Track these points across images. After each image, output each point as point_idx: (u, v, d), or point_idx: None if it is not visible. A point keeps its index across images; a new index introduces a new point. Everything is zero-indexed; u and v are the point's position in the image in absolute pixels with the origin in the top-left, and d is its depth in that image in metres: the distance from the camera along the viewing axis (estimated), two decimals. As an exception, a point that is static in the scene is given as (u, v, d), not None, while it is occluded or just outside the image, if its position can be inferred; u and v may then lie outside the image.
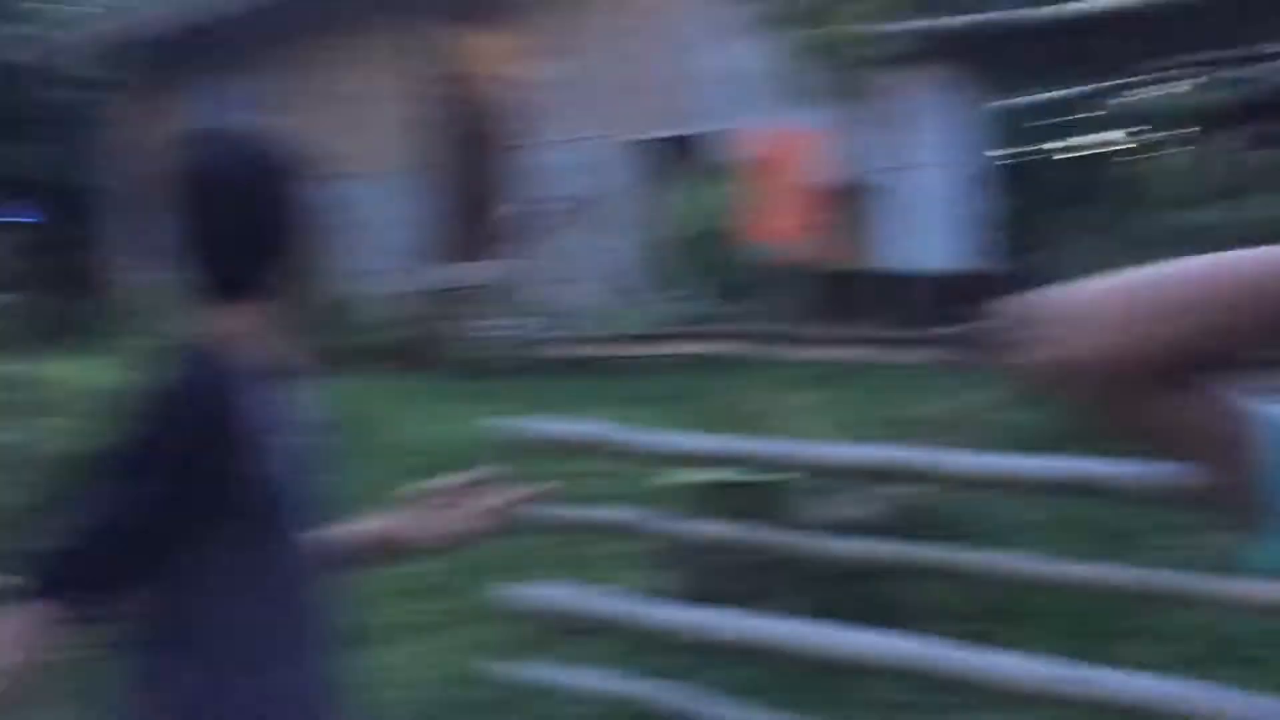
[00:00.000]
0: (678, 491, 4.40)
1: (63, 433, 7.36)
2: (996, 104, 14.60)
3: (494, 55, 12.21)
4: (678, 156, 9.23)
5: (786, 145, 9.33)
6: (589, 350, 3.68)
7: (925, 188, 11.97)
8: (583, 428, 3.20)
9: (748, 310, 6.35)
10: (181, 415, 1.46)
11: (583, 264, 8.80)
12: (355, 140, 11.58)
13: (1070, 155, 17.73)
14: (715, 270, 6.32)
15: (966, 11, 6.52)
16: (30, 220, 13.60)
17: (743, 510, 4.50)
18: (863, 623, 3.75)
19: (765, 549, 3.80)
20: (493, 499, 1.72)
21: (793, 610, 4.11)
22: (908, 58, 7.26)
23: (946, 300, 12.57)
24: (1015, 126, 15.23)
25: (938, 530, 4.45)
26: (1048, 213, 16.28)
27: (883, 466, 2.74)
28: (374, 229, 11.14)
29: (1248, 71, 7.96)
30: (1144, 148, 17.38)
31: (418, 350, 7.30)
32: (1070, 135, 17.17)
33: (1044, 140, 16.79)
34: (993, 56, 6.99)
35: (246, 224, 1.53)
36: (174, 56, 12.57)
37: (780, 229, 7.16)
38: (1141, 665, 3.54)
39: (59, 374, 8.21)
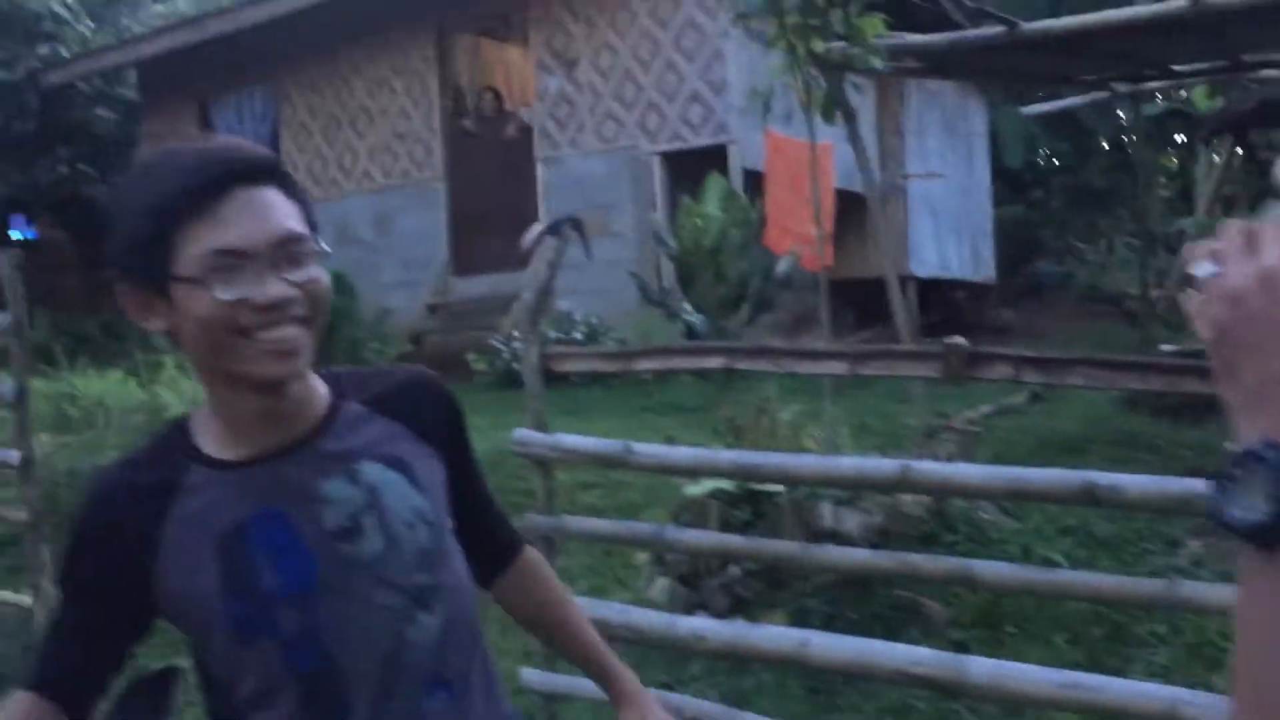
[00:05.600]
0: (693, 503, 4.45)
1: (76, 448, 7.50)
2: (1007, 111, 14.61)
3: (516, 67, 12.32)
4: (698, 167, 9.27)
5: (800, 155, 9.34)
6: (609, 362, 3.72)
7: (935, 196, 11.99)
8: (602, 441, 3.23)
9: (764, 321, 6.39)
10: (79, 511, 1.35)
11: (603, 275, 8.84)
12: (379, 152, 11.69)
13: (1079, 163, 17.71)
14: (732, 281, 6.35)
15: (976, 22, 6.57)
16: (27, 237, 13.77)
17: (754, 521, 4.55)
18: (870, 632, 3.78)
19: (776, 559, 3.83)
20: None
21: (802, 619, 4.15)
22: (917, 69, 7.28)
23: (954, 308, 12.61)
24: (1025, 134, 15.21)
25: (945, 539, 4.49)
26: (1056, 221, 16.27)
27: (890, 478, 2.75)
28: (398, 242, 11.25)
29: (1258, 78, 7.95)
30: (1152, 155, 17.35)
31: (442, 362, 7.36)
32: (1080, 143, 17.13)
33: (1053, 148, 16.75)
34: (1004, 65, 7.02)
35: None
36: (195, 72, 12.69)
37: (794, 239, 7.20)
38: (1149, 673, 3.57)
39: (77, 390, 8.33)
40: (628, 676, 1.63)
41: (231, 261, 1.24)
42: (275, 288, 1.26)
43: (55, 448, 6.74)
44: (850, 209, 9.42)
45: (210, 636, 1.32)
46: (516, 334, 8.18)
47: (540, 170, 10.59)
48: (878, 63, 5.01)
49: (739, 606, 4.37)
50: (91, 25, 15.23)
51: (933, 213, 11.91)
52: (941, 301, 12.31)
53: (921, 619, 4.10)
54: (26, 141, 14.43)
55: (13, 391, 5.16)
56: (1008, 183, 15.10)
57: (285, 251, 1.27)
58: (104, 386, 8.10)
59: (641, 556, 4.84)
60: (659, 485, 5.42)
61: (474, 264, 10.79)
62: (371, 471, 1.36)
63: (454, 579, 1.43)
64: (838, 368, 3.04)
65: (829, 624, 4.07)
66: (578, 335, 8.49)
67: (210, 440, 1.35)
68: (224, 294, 1.23)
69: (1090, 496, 2.51)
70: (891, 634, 3.81)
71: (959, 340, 2.83)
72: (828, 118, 5.16)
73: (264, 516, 1.32)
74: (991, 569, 2.75)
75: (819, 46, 4.90)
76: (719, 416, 4.95)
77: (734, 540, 3.32)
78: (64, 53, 14.31)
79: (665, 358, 3.37)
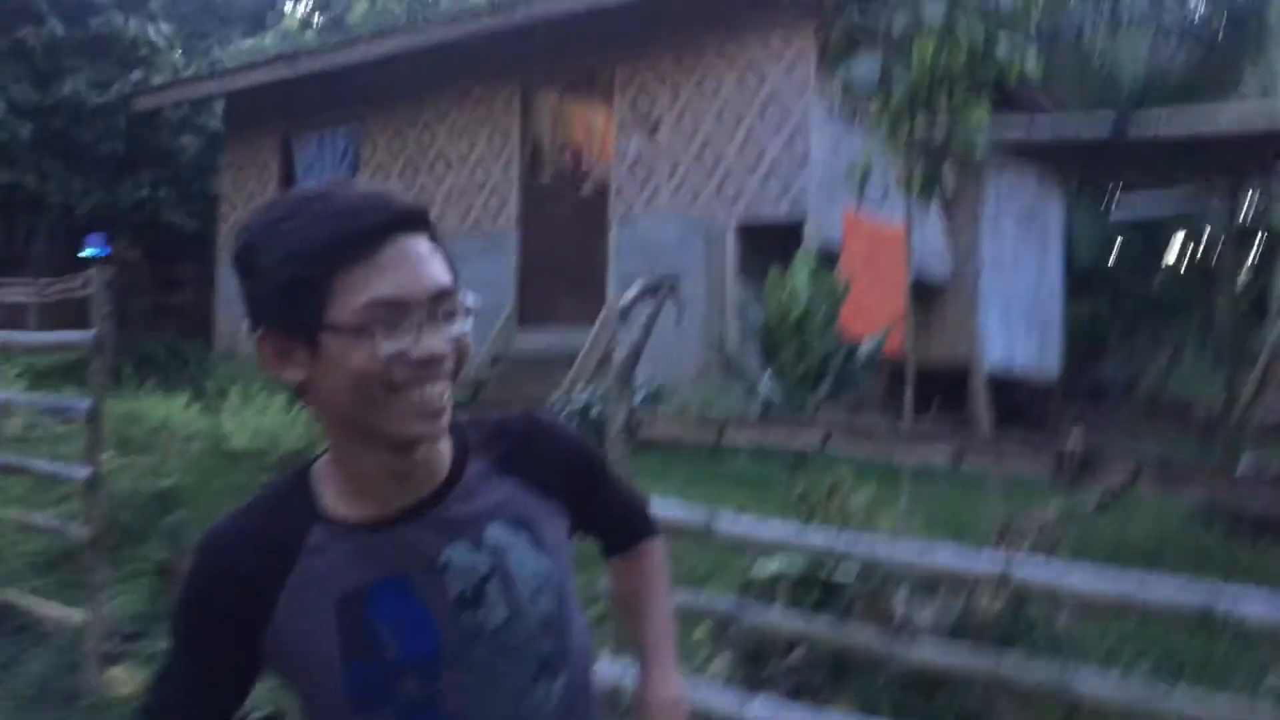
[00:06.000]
0: (765, 581, 4.33)
1: (138, 469, 7.54)
2: (1083, 209, 14.50)
3: (597, 126, 12.43)
4: (772, 240, 9.24)
5: (877, 236, 9.31)
6: (676, 429, 3.65)
7: (1006, 289, 11.87)
8: (685, 508, 3.15)
9: (837, 401, 6.31)
10: (195, 561, 1.31)
11: (668, 339, 8.81)
12: (455, 199, 11.80)
13: (1149, 267, 17.52)
14: (816, 357, 6.29)
15: (1065, 116, 6.53)
16: (101, 254, 14.02)
17: (823, 605, 4.42)
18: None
19: (843, 646, 3.70)
20: None
21: (870, 710, 4.00)
22: (1004, 159, 7.23)
23: (1015, 404, 12.43)
24: (1100, 234, 15.08)
25: (1017, 641, 4.32)
26: (1127, 322, 16.07)
27: (993, 575, 2.64)
28: (467, 290, 11.30)
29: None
30: (1234, 264, 17.13)
31: (483, 407, 7.32)
32: (1151, 247, 16.97)
33: (1124, 250, 16.59)
34: (1089, 164, 6.97)
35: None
36: (281, 107, 12.94)
37: (870, 322, 7.14)
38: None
39: (141, 411, 8.39)
40: (658, 687, 1.60)
41: (391, 313, 1.19)
42: (432, 343, 1.21)
43: (117, 467, 6.76)
44: (919, 295, 9.35)
45: (325, 702, 1.27)
46: (578, 390, 8.15)
47: (613, 230, 10.61)
48: (980, 148, 4.97)
49: (802, 692, 4.24)
50: (181, 57, 15.65)
51: (1003, 304, 11.78)
52: (1002, 396, 12.13)
53: (994, 724, 3.93)
54: (113, 162, 14.77)
55: (88, 408, 5.19)
56: (1076, 282, 14.95)
57: (440, 305, 1.23)
58: (168, 410, 8.16)
59: (700, 631, 4.72)
60: (716, 559, 5.30)
61: (539, 317, 10.80)
62: (496, 536, 1.32)
63: (576, 643, 1.39)
64: (942, 456, 2.94)
65: (899, 717, 3.93)
66: (637, 398, 8.42)
67: (332, 497, 1.30)
68: (385, 346, 1.18)
69: (1206, 618, 2.39)
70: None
71: (1075, 441, 2.73)
72: (925, 199, 5.11)
73: (386, 582, 1.27)
74: (1092, 683, 2.62)
75: (921, 128, 4.87)
76: (792, 494, 4.83)
77: (819, 626, 3.20)
78: (156, 79, 14.68)
79: (761, 431, 3.30)
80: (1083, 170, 9.97)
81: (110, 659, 5.09)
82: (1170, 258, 18.14)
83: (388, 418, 1.22)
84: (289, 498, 1.31)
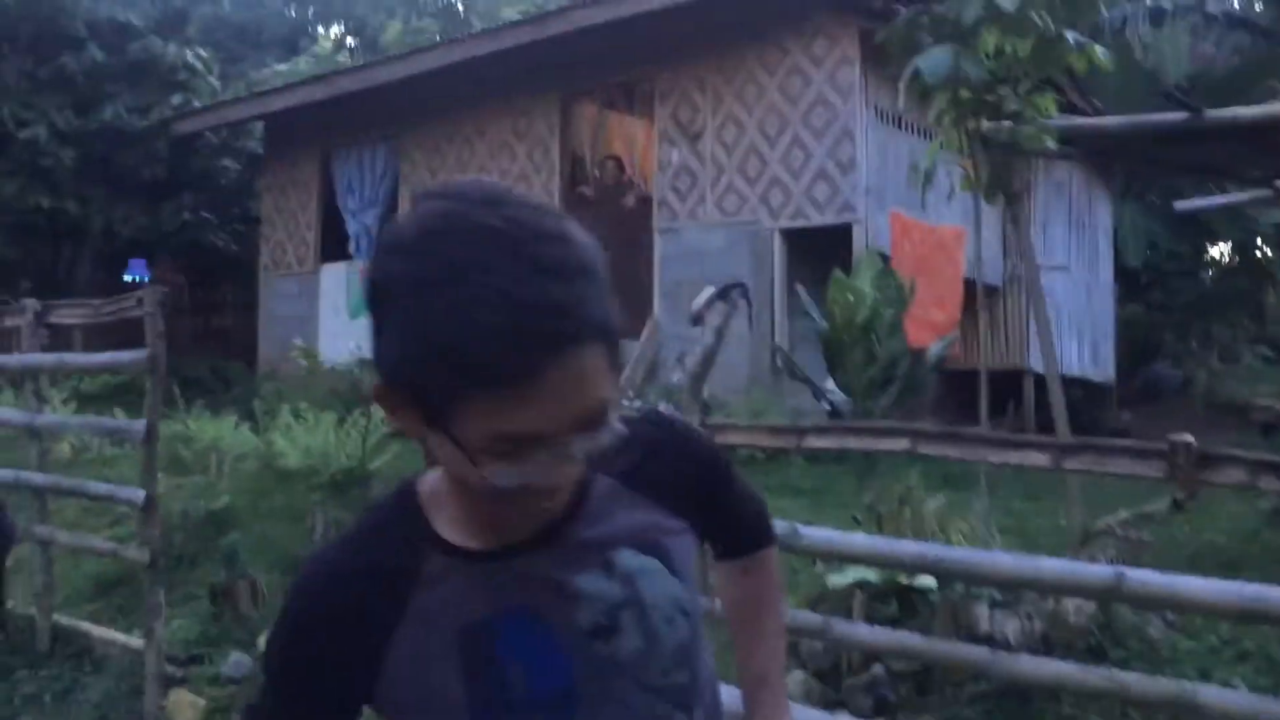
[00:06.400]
0: (836, 594, 4.20)
1: (190, 490, 7.49)
2: (1129, 208, 14.25)
3: (638, 138, 12.34)
4: (819, 247, 9.10)
5: (927, 239, 9.15)
6: (731, 437, 3.52)
7: (1059, 291, 11.66)
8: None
9: (896, 407, 6.16)
10: (299, 594, 1.18)
11: (727, 349, 8.69)
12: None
13: (1198, 265, 17.21)
14: (883, 361, 6.14)
15: (1123, 111, 6.35)
16: (142, 279, 14.07)
17: (902, 617, 4.27)
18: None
19: (922, 658, 3.56)
20: None
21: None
22: (1064, 154, 7.06)
23: (1070, 407, 12.17)
24: (1147, 232, 14.82)
25: (1112, 653, 4.16)
26: (1177, 322, 15.77)
27: (1102, 585, 2.50)
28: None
29: None
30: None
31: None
32: (1200, 245, 16.67)
33: (1172, 249, 16.30)
34: (1152, 159, 6.79)
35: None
36: (319, 127, 12.95)
37: (923, 325, 6.98)
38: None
39: (191, 432, 8.36)
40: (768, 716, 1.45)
41: (521, 446, 1.01)
42: (561, 474, 1.08)
43: (170, 489, 6.71)
44: (972, 299, 9.18)
45: None
46: (634, 402, 8.04)
47: (657, 241, 10.51)
48: (1050, 142, 4.81)
49: (882, 709, 4.09)
50: (218, 81, 15.72)
51: (1055, 307, 11.57)
52: (1073, 398, 11.91)
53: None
54: (154, 187, 14.84)
55: (144, 429, 5.12)
56: (1125, 282, 14.68)
57: (588, 422, 1.04)
58: (218, 430, 8.11)
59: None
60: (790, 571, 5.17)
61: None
62: (628, 560, 1.20)
63: (707, 672, 1.28)
64: (1039, 459, 2.79)
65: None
66: (699, 405, 8.28)
67: (446, 522, 1.17)
68: (502, 478, 1.03)
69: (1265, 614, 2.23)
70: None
71: (1187, 437, 2.58)
72: (992, 196, 4.96)
73: (513, 614, 1.15)
74: (1220, 698, 2.46)
75: (986, 125, 4.72)
76: (860, 502, 4.70)
77: (913, 640, 3.05)
78: (195, 103, 14.75)
79: (840, 436, 3.16)
80: (1142, 167, 9.73)
81: (170, 682, 5.02)
82: (1218, 255, 17.83)
83: (497, 509, 1.12)
84: (397, 524, 1.19)
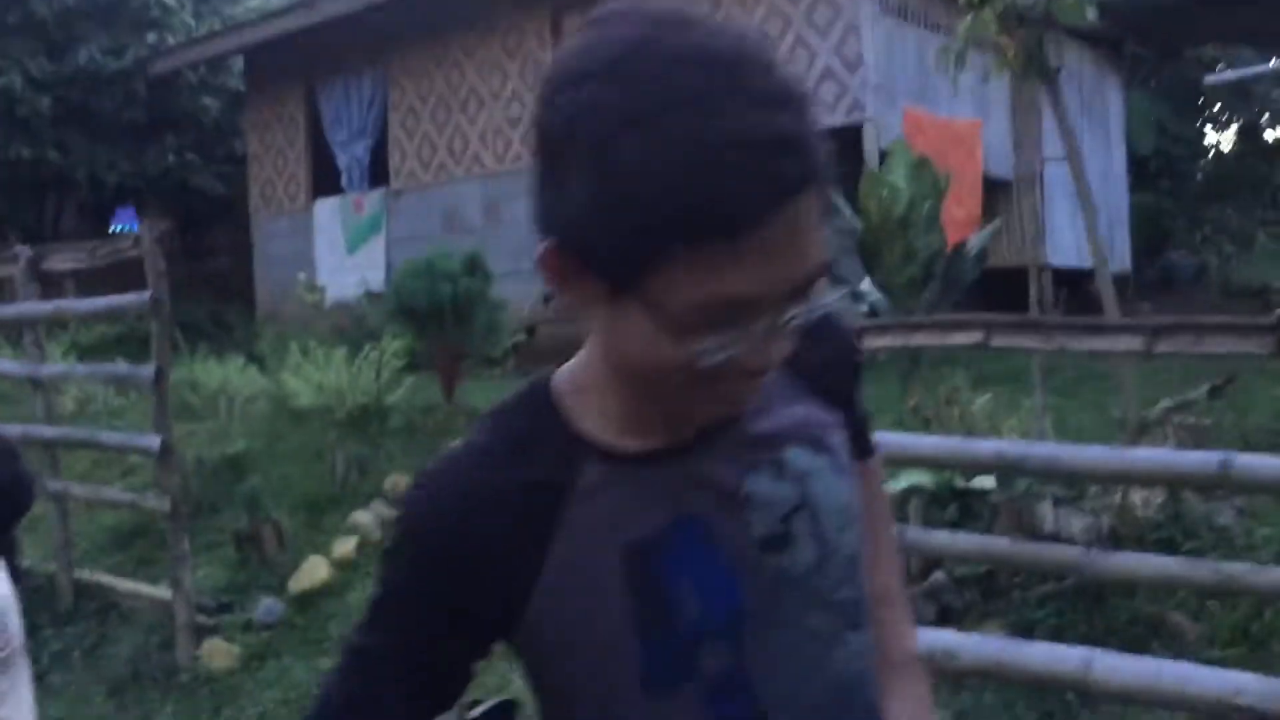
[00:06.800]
0: (892, 499, 4.03)
1: (202, 436, 7.31)
2: (1136, 94, 13.90)
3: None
4: (840, 148, 8.81)
5: (943, 134, 8.88)
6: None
7: (1072, 183, 11.38)
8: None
9: (938, 306, 5.94)
10: (420, 522, 0.98)
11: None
12: (490, 137, 11.42)
13: (1205, 150, 16.91)
14: (922, 257, 5.91)
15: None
16: (131, 229, 13.74)
17: (962, 521, 4.11)
18: (1102, 644, 3.33)
19: (1009, 562, 3.39)
20: None
21: (1024, 632, 3.71)
22: (1086, 35, 6.75)
23: (1089, 299, 11.99)
24: (1154, 119, 14.50)
25: (1184, 545, 4.00)
26: (1187, 210, 15.51)
27: (1208, 475, 2.30)
28: (509, 230, 10.95)
29: None
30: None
31: (557, 354, 6.99)
32: (1216, 128, 16.37)
33: (1181, 133, 15.97)
34: (1178, 27, 6.45)
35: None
36: (302, 58, 12.55)
37: (949, 224, 6.72)
38: None
39: (202, 377, 8.16)
40: (898, 640, 1.17)
41: (735, 313, 0.83)
42: (776, 350, 0.87)
43: (181, 436, 6.52)
44: (992, 194, 8.94)
45: (605, 688, 0.96)
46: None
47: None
48: (1091, 13, 4.54)
49: (945, 616, 3.95)
50: (192, 18, 15.22)
51: (1069, 200, 11.31)
52: (1074, 292, 11.70)
53: (1167, 635, 3.62)
54: (136, 131, 14.46)
55: (151, 374, 4.91)
56: (1136, 170, 14.39)
57: (804, 290, 0.86)
58: (224, 374, 7.91)
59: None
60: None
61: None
62: (800, 459, 1.01)
63: (868, 585, 1.09)
64: (1131, 343, 2.58)
65: (1057, 638, 3.63)
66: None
67: (597, 421, 0.97)
68: (712, 354, 0.84)
69: None
70: (1132, 652, 3.37)
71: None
72: (1025, 78, 4.70)
73: (682, 527, 0.96)
74: (1266, 576, 2.28)
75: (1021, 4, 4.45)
76: (911, 405, 4.51)
77: (998, 543, 2.87)
78: (170, 41, 14.30)
79: (905, 334, 2.95)
80: (1180, 38, 9.30)
81: (203, 632, 4.88)
82: (1226, 139, 17.50)
83: (680, 399, 0.90)
84: (535, 428, 0.99)
